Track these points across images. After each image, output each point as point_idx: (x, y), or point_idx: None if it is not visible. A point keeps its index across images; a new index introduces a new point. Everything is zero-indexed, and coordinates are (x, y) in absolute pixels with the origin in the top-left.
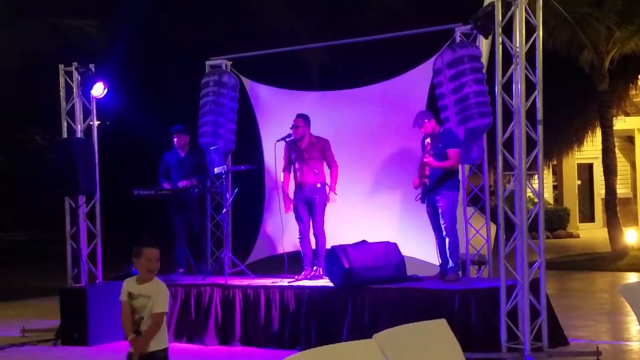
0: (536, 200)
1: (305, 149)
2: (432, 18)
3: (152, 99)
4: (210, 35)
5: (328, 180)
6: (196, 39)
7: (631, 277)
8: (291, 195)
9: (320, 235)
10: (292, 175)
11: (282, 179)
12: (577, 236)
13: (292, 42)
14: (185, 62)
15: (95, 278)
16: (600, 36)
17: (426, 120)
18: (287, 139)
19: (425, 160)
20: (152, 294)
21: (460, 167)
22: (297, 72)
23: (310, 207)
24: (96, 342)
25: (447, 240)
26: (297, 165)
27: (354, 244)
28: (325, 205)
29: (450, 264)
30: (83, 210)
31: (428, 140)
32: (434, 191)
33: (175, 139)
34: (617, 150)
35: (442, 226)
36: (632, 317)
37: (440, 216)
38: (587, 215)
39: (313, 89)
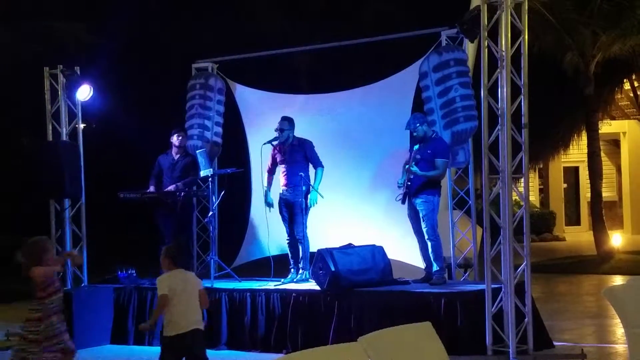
0: (522, 203)
1: (289, 151)
2: (419, 22)
3: (138, 102)
4: (196, 38)
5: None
6: (182, 42)
7: (616, 280)
8: (276, 197)
9: (304, 239)
10: (276, 176)
11: (265, 182)
12: (563, 239)
13: (279, 46)
14: (172, 65)
15: (81, 282)
16: (586, 40)
17: (419, 124)
18: (273, 142)
19: (410, 169)
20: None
21: (446, 171)
22: (284, 75)
23: (293, 210)
24: (82, 346)
25: (429, 244)
26: (282, 168)
27: (340, 247)
28: (309, 208)
29: (435, 267)
30: (68, 213)
31: (416, 148)
32: (416, 195)
33: (179, 138)
34: (602, 154)
35: (424, 230)
36: (617, 320)
37: (422, 220)
38: (573, 219)
39: (300, 92)
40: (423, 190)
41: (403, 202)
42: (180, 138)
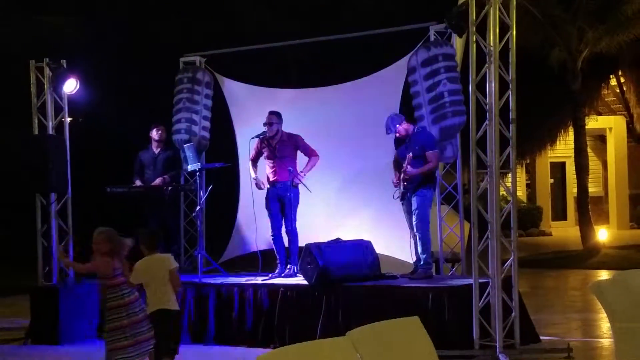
0: (509, 198)
1: (278, 146)
2: (407, 16)
3: (125, 96)
4: (184, 31)
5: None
6: (170, 36)
7: (602, 275)
8: (264, 192)
9: (293, 234)
10: (263, 170)
11: (252, 172)
12: (550, 234)
13: (268, 40)
14: (159, 59)
15: (67, 276)
16: (572, 36)
17: (398, 125)
18: (261, 137)
19: (405, 170)
20: None
21: (438, 161)
22: (272, 69)
23: (282, 205)
24: (67, 341)
25: (417, 237)
26: (270, 163)
27: (328, 241)
28: (298, 203)
29: (421, 261)
30: (54, 207)
31: (403, 147)
32: (414, 192)
33: (158, 132)
34: (589, 150)
35: (414, 223)
36: (603, 314)
37: (413, 213)
38: (560, 214)
39: (289, 87)
40: (421, 186)
41: (402, 200)
42: (159, 132)
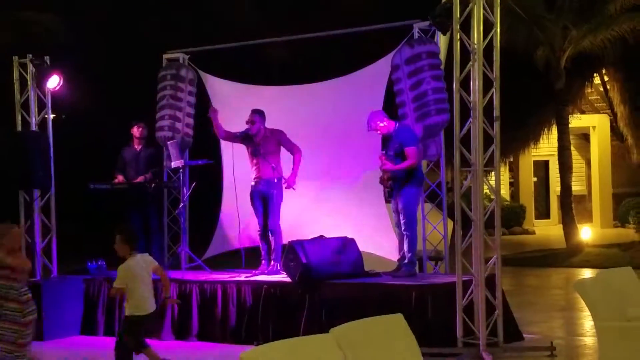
0: (493, 196)
1: (261, 143)
2: (391, 14)
3: (109, 92)
4: (167, 28)
5: (287, 174)
6: (153, 32)
7: (585, 273)
8: (247, 189)
9: (276, 231)
10: (247, 169)
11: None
12: (533, 233)
13: (251, 37)
14: (142, 55)
15: (50, 272)
16: (556, 35)
17: (379, 123)
18: (243, 134)
19: (383, 167)
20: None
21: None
22: (256, 66)
23: (266, 202)
24: (51, 337)
25: (405, 236)
26: (253, 160)
27: (311, 239)
28: (281, 200)
29: (406, 259)
30: (37, 204)
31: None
32: (399, 190)
33: (139, 129)
34: (572, 148)
35: (401, 222)
36: (586, 312)
37: (400, 212)
38: (543, 212)
39: (272, 84)
40: (405, 185)
41: (388, 201)
42: (140, 129)
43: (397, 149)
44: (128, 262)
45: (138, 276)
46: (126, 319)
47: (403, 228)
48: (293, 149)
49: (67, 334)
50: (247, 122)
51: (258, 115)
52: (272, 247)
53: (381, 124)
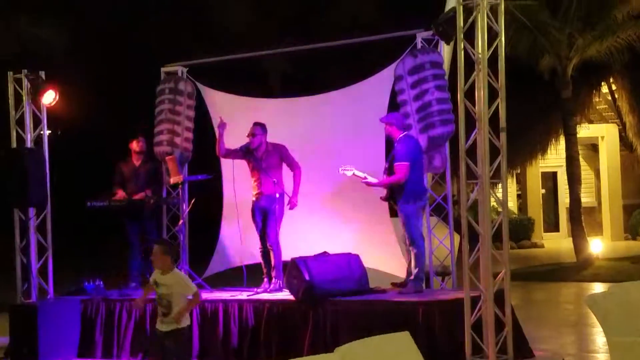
0: (500, 209)
1: (262, 157)
2: (394, 24)
3: (106, 107)
4: (166, 40)
5: (287, 189)
6: (151, 45)
7: (596, 287)
8: (248, 205)
9: (275, 247)
10: (248, 184)
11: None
12: (542, 246)
13: (251, 49)
14: (140, 69)
15: (46, 293)
16: (562, 43)
17: (387, 125)
18: (244, 148)
19: (363, 181)
20: (173, 283)
21: (424, 176)
22: (256, 79)
23: (266, 217)
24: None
25: (410, 251)
26: (255, 175)
27: (315, 255)
28: (282, 216)
29: (412, 276)
30: (33, 222)
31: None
32: (396, 204)
33: (139, 143)
34: (581, 159)
35: (406, 238)
36: (598, 328)
37: (403, 227)
38: (552, 225)
39: (273, 96)
40: (402, 201)
41: (392, 213)
42: (140, 144)
43: (390, 162)
44: (180, 272)
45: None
46: (178, 332)
47: (408, 244)
48: (293, 165)
49: (64, 356)
50: (248, 136)
51: (260, 128)
52: (273, 264)
53: (388, 127)
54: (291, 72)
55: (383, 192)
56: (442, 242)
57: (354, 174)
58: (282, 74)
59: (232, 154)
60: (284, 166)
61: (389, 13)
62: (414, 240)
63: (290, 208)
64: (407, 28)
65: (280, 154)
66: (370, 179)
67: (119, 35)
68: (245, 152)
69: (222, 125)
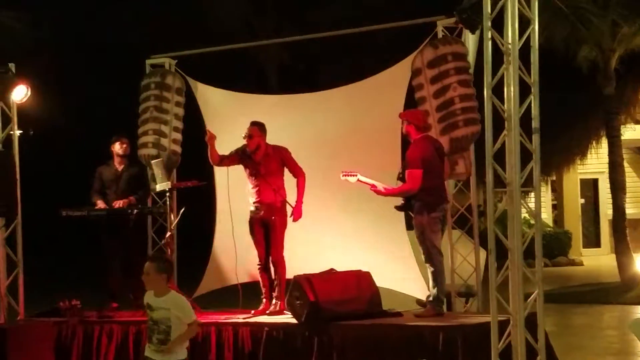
0: (533, 221)
1: (262, 162)
2: (411, 10)
3: (84, 104)
4: (151, 30)
5: (290, 198)
6: (135, 35)
7: None
8: (245, 214)
9: (279, 263)
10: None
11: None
12: (581, 263)
13: (247, 39)
14: (122, 61)
15: (16, 314)
16: (604, 32)
17: (403, 122)
18: (240, 151)
19: (372, 189)
20: (171, 307)
21: (444, 182)
22: (252, 72)
23: (267, 230)
24: None
25: (428, 268)
26: (253, 182)
27: (320, 273)
28: (285, 227)
29: (431, 297)
30: (2, 234)
31: None
32: (413, 219)
33: (122, 145)
34: (626, 164)
35: (422, 254)
36: None
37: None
38: (592, 240)
39: (270, 92)
40: (415, 213)
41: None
42: (124, 146)
43: (404, 167)
44: (179, 295)
45: None
46: None
47: (424, 260)
48: (296, 171)
49: None
50: (244, 137)
51: (257, 128)
52: (275, 282)
53: (406, 125)
54: (291, 65)
55: (398, 200)
56: (465, 259)
57: (358, 179)
58: (281, 67)
59: (227, 159)
60: (286, 172)
61: None
62: (430, 257)
63: (294, 220)
64: (426, 15)
65: (282, 158)
66: (379, 187)
67: (99, 23)
68: (241, 157)
69: (211, 137)
